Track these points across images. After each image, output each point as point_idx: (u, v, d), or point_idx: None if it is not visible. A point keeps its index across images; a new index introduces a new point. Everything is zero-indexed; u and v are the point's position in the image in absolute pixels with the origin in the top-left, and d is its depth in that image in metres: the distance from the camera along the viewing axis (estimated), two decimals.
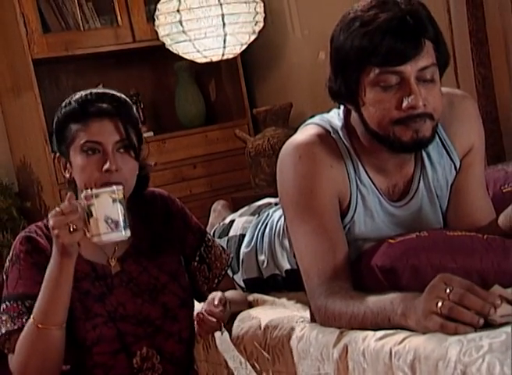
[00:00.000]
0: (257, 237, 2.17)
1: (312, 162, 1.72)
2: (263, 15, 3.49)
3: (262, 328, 1.77)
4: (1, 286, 1.89)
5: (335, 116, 1.81)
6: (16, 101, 3.79)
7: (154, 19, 3.51)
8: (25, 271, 1.82)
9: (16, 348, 1.77)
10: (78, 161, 1.82)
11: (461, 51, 2.90)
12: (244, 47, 3.53)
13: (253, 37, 3.50)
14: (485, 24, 2.91)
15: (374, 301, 1.52)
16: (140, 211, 1.95)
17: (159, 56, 4.07)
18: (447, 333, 1.34)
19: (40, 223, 1.91)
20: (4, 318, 1.80)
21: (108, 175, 1.79)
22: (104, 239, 1.70)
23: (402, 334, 1.42)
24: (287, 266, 2.03)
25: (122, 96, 1.90)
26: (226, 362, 1.86)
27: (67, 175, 1.88)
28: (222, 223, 2.41)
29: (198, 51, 3.42)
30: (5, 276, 1.85)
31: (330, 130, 1.77)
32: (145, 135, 4.11)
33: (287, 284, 2.05)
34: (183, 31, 3.34)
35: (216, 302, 1.78)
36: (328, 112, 1.84)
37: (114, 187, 1.71)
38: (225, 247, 2.14)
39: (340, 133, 1.77)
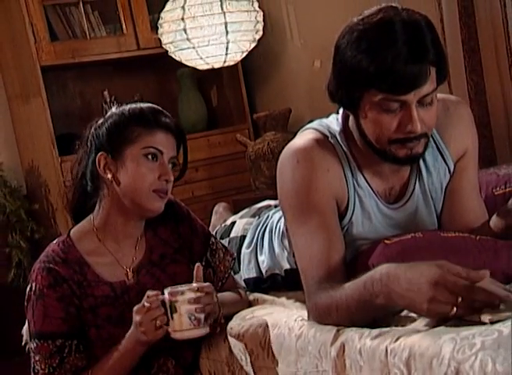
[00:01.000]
0: (257, 238, 2.18)
1: (310, 166, 1.73)
2: (262, 23, 3.53)
3: (262, 326, 1.77)
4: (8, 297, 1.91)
5: (333, 121, 1.82)
6: (24, 106, 3.81)
7: (157, 28, 3.54)
8: (50, 308, 1.80)
9: None
10: (137, 163, 1.83)
11: (454, 58, 2.88)
12: (245, 54, 3.56)
13: (253, 45, 3.54)
14: (477, 33, 2.92)
15: (350, 287, 1.55)
16: (149, 219, 1.93)
17: (162, 63, 4.09)
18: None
19: (55, 247, 1.88)
20: (37, 358, 1.81)
21: (165, 184, 1.84)
22: (187, 335, 1.72)
23: (397, 332, 1.43)
24: (286, 266, 2.03)
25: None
26: (227, 359, 1.85)
27: (109, 175, 1.85)
28: (223, 225, 2.42)
29: (201, 58, 3.45)
30: (29, 308, 1.84)
31: (328, 134, 1.78)
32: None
33: (286, 284, 2.05)
34: (187, 39, 3.38)
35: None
36: (327, 117, 1.86)
37: (197, 284, 1.74)
38: (227, 247, 2.14)
39: (338, 137, 1.78)
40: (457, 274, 1.39)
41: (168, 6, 3.47)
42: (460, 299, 1.37)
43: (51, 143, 3.64)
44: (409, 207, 1.82)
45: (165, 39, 3.49)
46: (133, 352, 1.78)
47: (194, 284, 1.74)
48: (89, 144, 1.91)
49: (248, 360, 1.79)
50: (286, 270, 2.05)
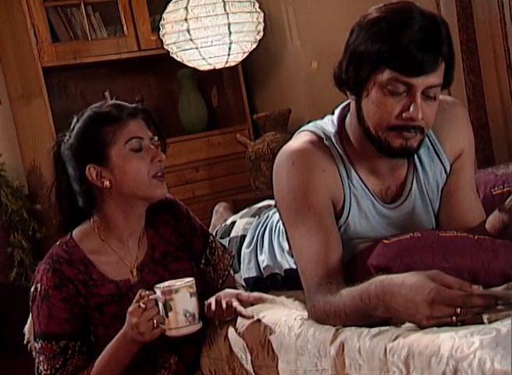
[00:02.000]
0: (257, 238, 2.19)
1: (305, 167, 1.74)
2: (263, 24, 3.53)
3: (262, 325, 1.76)
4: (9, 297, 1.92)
5: (328, 123, 1.83)
6: (26, 107, 3.81)
7: (158, 29, 3.54)
8: (55, 309, 1.81)
9: None
10: (127, 159, 1.83)
11: None
12: (246, 55, 3.57)
13: (254, 46, 3.55)
14: (475, 34, 2.95)
15: (348, 297, 1.55)
16: (149, 217, 1.94)
17: (163, 64, 4.09)
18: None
19: (58, 248, 1.88)
20: (41, 359, 1.83)
21: (159, 165, 1.86)
22: (183, 332, 1.72)
23: (396, 331, 1.44)
24: (286, 266, 2.04)
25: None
26: (228, 358, 1.85)
27: (106, 183, 1.84)
28: (223, 224, 2.42)
29: (204, 59, 3.46)
30: (34, 309, 1.85)
31: (323, 136, 1.79)
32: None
33: (286, 283, 2.05)
34: (191, 39, 3.38)
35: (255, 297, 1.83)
36: (321, 118, 1.86)
37: (190, 281, 1.73)
38: (226, 245, 2.15)
39: (333, 139, 1.78)
40: (450, 285, 1.40)
41: (170, 7, 3.48)
42: (458, 310, 1.39)
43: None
44: (406, 206, 1.83)
45: (167, 40, 3.49)
46: (127, 351, 1.78)
47: (186, 280, 1.74)
48: (66, 164, 1.89)
49: (248, 359, 1.80)
50: (285, 270, 2.06)
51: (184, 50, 3.46)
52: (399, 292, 1.44)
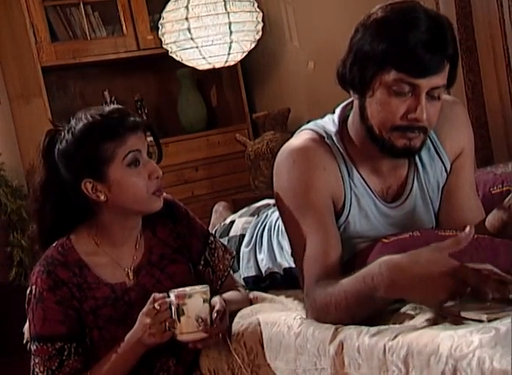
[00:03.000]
0: (256, 237, 2.19)
1: (306, 165, 1.74)
2: (262, 24, 3.55)
3: (261, 325, 1.76)
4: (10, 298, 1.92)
5: (329, 122, 1.82)
6: (25, 106, 3.82)
7: (158, 28, 3.55)
8: (50, 311, 1.80)
9: None
10: (125, 175, 1.79)
11: None
12: (245, 54, 3.58)
13: (253, 45, 3.56)
14: (474, 33, 2.95)
15: (349, 284, 1.55)
16: (147, 219, 1.92)
17: (163, 63, 4.10)
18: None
19: (54, 250, 1.86)
20: (37, 361, 1.82)
21: (157, 181, 1.82)
22: (193, 337, 1.72)
23: (395, 330, 1.43)
24: (285, 265, 2.04)
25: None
26: (227, 357, 1.83)
27: (101, 197, 1.81)
28: (222, 224, 2.41)
29: (204, 58, 3.46)
30: (29, 311, 1.84)
31: (324, 135, 1.78)
32: (149, 139, 4.15)
33: (285, 282, 2.05)
34: (191, 38, 3.39)
35: (214, 319, 1.75)
36: (322, 117, 1.86)
37: (204, 287, 1.74)
38: (227, 245, 2.13)
39: (334, 138, 1.78)
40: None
41: (170, 6, 3.48)
42: (469, 289, 1.40)
43: None
44: (407, 206, 1.83)
45: (167, 39, 3.50)
46: (133, 354, 1.78)
47: (200, 286, 1.75)
48: (60, 168, 1.83)
49: (247, 358, 1.79)
50: (284, 269, 2.06)
51: (184, 49, 3.46)
52: (408, 267, 1.45)
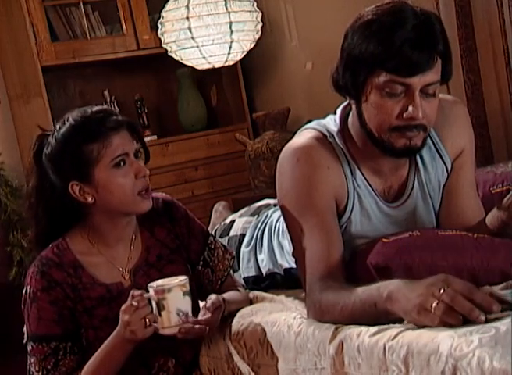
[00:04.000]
0: (256, 237, 2.19)
1: (309, 164, 1.74)
2: (261, 24, 3.55)
3: (261, 324, 1.77)
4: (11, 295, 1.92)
5: (331, 122, 1.83)
6: (25, 106, 3.82)
7: (157, 28, 3.55)
8: (44, 311, 1.81)
9: None
10: (111, 177, 1.79)
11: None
12: (244, 54, 3.58)
13: (253, 45, 3.56)
14: (474, 32, 2.95)
15: (363, 290, 1.54)
16: (145, 219, 1.93)
17: (162, 63, 4.10)
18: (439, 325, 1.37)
19: (49, 251, 1.87)
20: (32, 360, 1.83)
21: (145, 180, 1.82)
22: (176, 330, 1.71)
23: (395, 330, 1.44)
24: (286, 265, 2.04)
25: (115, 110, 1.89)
26: (227, 357, 1.85)
27: (89, 199, 1.81)
28: (223, 223, 2.42)
29: (204, 58, 3.46)
30: (25, 311, 1.85)
31: (327, 134, 1.79)
32: (149, 139, 4.18)
33: (286, 282, 2.06)
34: (192, 38, 3.39)
35: (207, 308, 1.77)
36: (324, 117, 1.87)
37: (183, 280, 1.72)
38: (227, 245, 2.14)
39: (336, 137, 1.79)
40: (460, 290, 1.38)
41: (170, 5, 3.48)
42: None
43: None
44: (408, 205, 1.83)
45: (167, 38, 3.50)
46: (121, 351, 1.77)
47: (179, 278, 1.73)
48: (48, 172, 1.84)
49: (248, 357, 1.80)
50: (285, 269, 2.06)
51: (184, 48, 3.46)
52: (404, 294, 1.43)
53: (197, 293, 1.97)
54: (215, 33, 3.39)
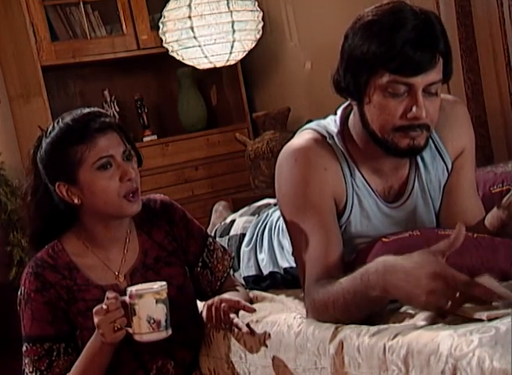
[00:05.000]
0: (256, 237, 2.19)
1: (308, 164, 1.74)
2: (262, 23, 3.55)
3: (261, 324, 1.77)
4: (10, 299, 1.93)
5: (331, 123, 1.82)
6: (25, 106, 3.83)
7: (158, 28, 3.55)
8: (38, 312, 1.81)
9: None
10: (95, 178, 1.79)
11: None
12: (245, 53, 3.58)
13: (254, 44, 3.56)
14: (474, 32, 2.96)
15: (347, 282, 1.56)
16: (143, 221, 1.93)
17: (162, 63, 4.11)
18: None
19: (44, 253, 1.86)
20: (26, 361, 1.82)
21: (131, 183, 1.80)
22: (145, 338, 1.68)
23: (395, 330, 1.44)
24: (285, 264, 2.04)
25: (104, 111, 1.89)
26: (227, 357, 1.85)
27: (75, 200, 1.81)
28: (223, 223, 2.41)
29: (206, 57, 3.46)
30: (20, 312, 1.85)
31: (326, 135, 1.79)
32: (149, 138, 4.18)
33: (286, 282, 2.05)
34: (194, 37, 3.39)
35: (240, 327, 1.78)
36: (324, 118, 1.86)
37: (159, 287, 1.67)
38: (226, 246, 2.15)
39: (336, 138, 1.78)
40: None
41: (171, 5, 3.48)
42: (457, 294, 1.40)
43: None
44: (408, 205, 1.83)
45: (168, 37, 3.49)
46: (101, 353, 1.75)
47: (155, 286, 1.69)
48: (41, 177, 1.85)
49: (248, 357, 1.79)
50: (285, 269, 2.06)
51: (186, 48, 3.46)
52: (401, 267, 1.46)
53: (194, 295, 1.98)
54: (217, 32, 3.39)
